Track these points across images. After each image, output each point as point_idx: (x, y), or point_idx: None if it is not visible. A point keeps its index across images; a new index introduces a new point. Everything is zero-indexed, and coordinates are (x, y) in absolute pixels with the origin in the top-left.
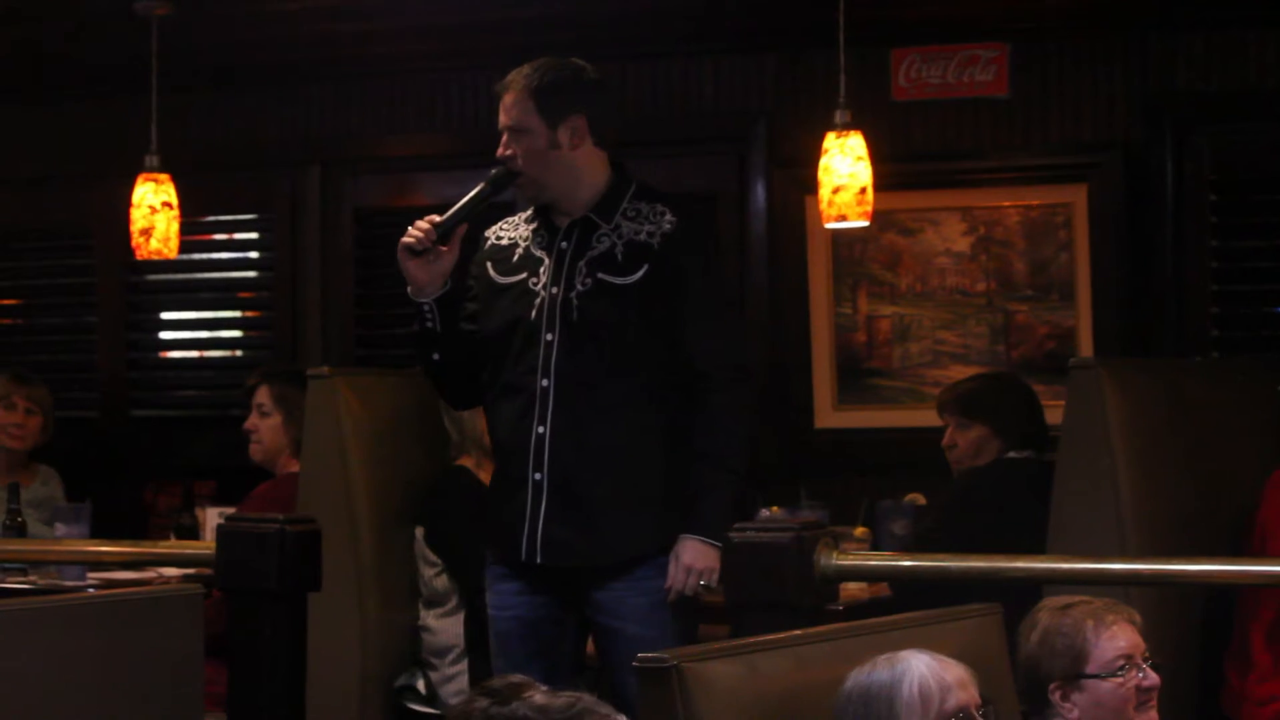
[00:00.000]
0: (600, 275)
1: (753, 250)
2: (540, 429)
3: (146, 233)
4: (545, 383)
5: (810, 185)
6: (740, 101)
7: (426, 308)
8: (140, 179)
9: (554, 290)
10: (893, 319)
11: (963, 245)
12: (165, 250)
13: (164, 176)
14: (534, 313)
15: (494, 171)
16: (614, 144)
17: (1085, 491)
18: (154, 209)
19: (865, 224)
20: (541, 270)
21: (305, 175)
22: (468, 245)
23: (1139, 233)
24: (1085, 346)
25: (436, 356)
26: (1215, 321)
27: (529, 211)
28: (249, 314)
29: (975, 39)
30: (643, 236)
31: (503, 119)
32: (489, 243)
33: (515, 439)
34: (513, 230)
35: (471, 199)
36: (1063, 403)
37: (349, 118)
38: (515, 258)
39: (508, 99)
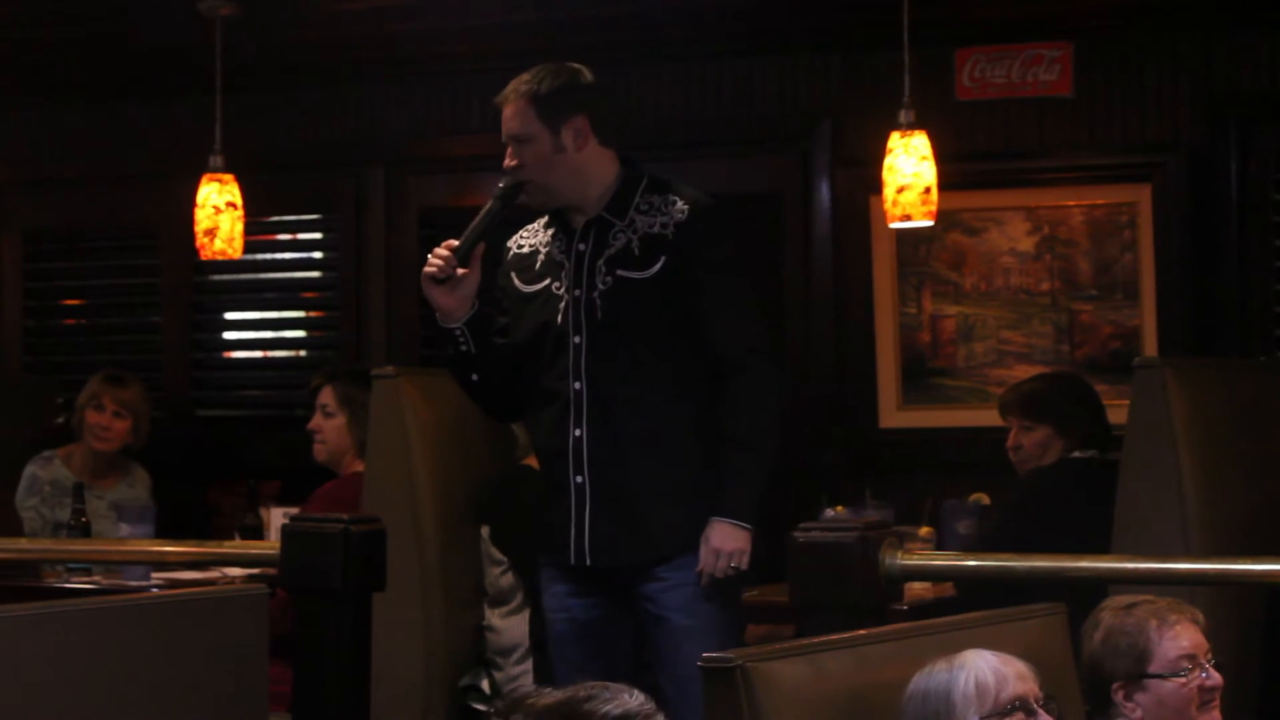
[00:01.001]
0: (619, 272)
1: (817, 250)
2: (577, 432)
3: (211, 233)
4: (578, 386)
5: (874, 185)
6: (804, 101)
7: (458, 332)
8: (204, 179)
9: (576, 293)
10: (957, 318)
11: (1027, 245)
12: (230, 250)
13: (228, 177)
14: (560, 317)
15: (501, 186)
16: (621, 141)
17: (1149, 491)
18: (218, 209)
19: (929, 223)
20: (563, 274)
21: (369, 175)
22: (488, 262)
23: (1203, 232)
24: (1149, 346)
25: (475, 377)
26: (1279, 320)
27: (546, 218)
28: (313, 314)
29: (1039, 38)
30: (656, 229)
31: (505, 129)
32: (511, 253)
33: (555, 444)
34: (532, 237)
35: (484, 217)
36: (1127, 402)
37: (413, 117)
38: (537, 265)
39: (508, 110)
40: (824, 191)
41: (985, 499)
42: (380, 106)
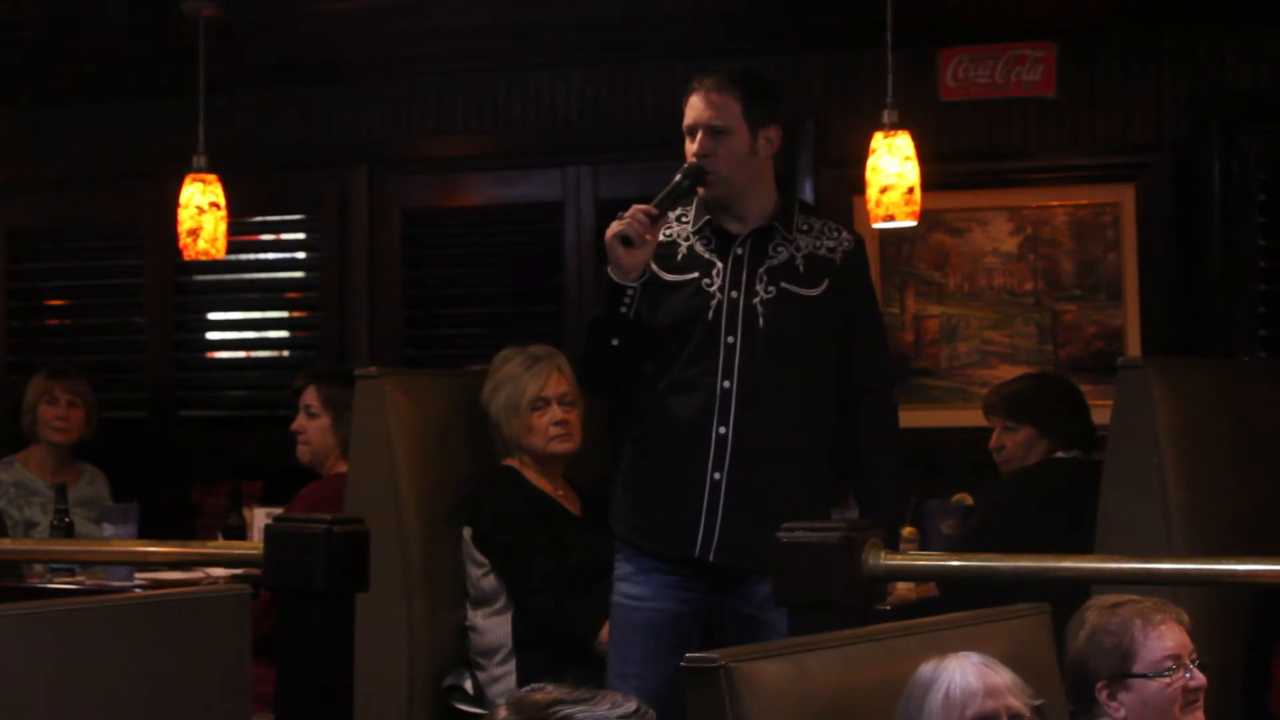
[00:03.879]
0: (784, 285)
1: None
2: (721, 429)
3: (194, 233)
4: (727, 384)
5: (858, 185)
6: (788, 101)
7: (630, 291)
8: (188, 179)
9: (734, 294)
10: (940, 319)
11: (1010, 245)
12: (213, 250)
13: (211, 177)
14: (711, 314)
15: (687, 165)
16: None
17: (1133, 491)
18: (201, 209)
19: (913, 224)
20: (714, 272)
21: (353, 175)
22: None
23: (1187, 232)
24: (1133, 346)
25: (616, 342)
26: (1263, 321)
27: (678, 210)
28: (296, 314)
29: (1023, 39)
30: (823, 252)
31: (704, 115)
32: None
33: (691, 437)
34: (667, 227)
35: (673, 190)
36: (1110, 402)
37: (397, 118)
38: (679, 256)
39: (714, 97)
40: (807, 191)
41: (968, 499)
42: (364, 107)
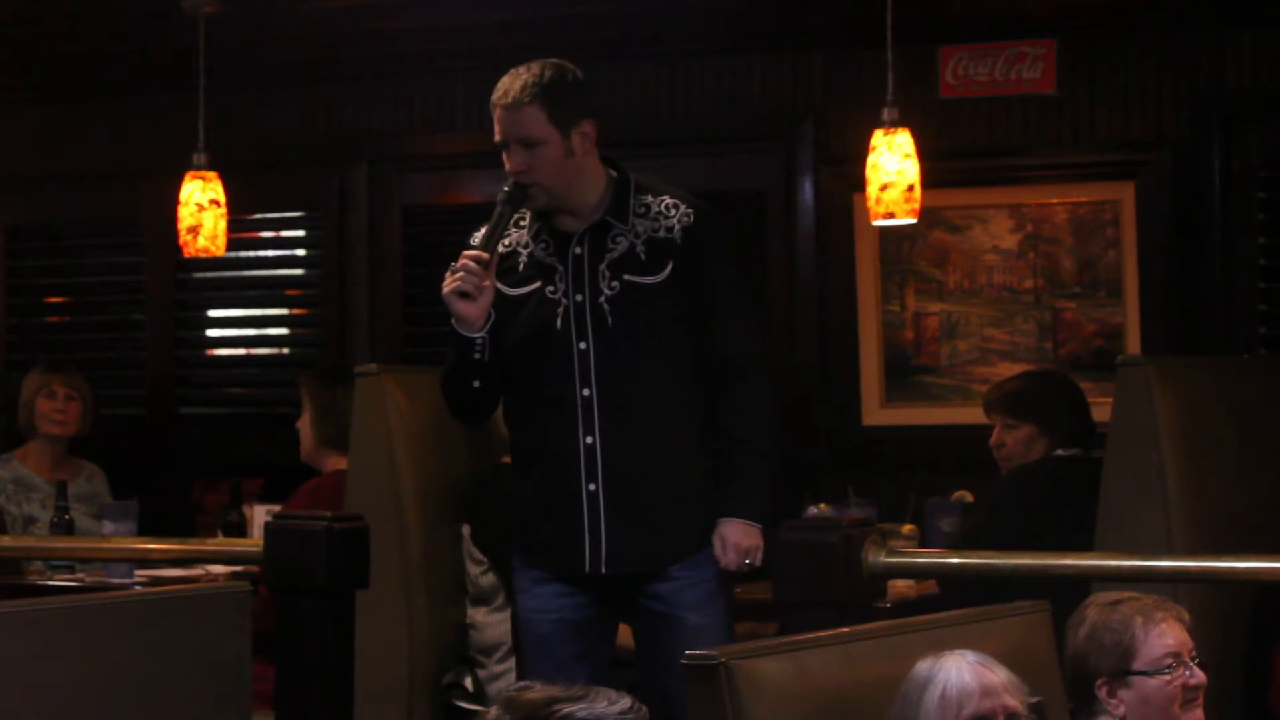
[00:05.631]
0: (627, 277)
1: (800, 248)
2: (589, 439)
3: (194, 230)
4: (586, 392)
5: (858, 183)
6: (788, 99)
7: (479, 341)
8: (188, 176)
9: (578, 298)
10: (940, 316)
11: (1010, 242)
12: (213, 248)
13: (212, 174)
14: (559, 322)
15: (505, 190)
16: (605, 142)
17: (1133, 489)
18: (201, 206)
19: (913, 221)
20: (557, 277)
21: (353, 173)
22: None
23: (1187, 230)
24: (1133, 344)
25: (478, 384)
26: (1263, 319)
27: (515, 216)
28: (296, 312)
29: (1023, 36)
30: (662, 233)
31: (511, 132)
32: None
33: (561, 451)
34: (505, 236)
35: (496, 225)
36: (1110, 400)
37: (397, 115)
38: (521, 266)
39: (518, 113)
40: (807, 189)
41: (969, 496)
42: (364, 104)
